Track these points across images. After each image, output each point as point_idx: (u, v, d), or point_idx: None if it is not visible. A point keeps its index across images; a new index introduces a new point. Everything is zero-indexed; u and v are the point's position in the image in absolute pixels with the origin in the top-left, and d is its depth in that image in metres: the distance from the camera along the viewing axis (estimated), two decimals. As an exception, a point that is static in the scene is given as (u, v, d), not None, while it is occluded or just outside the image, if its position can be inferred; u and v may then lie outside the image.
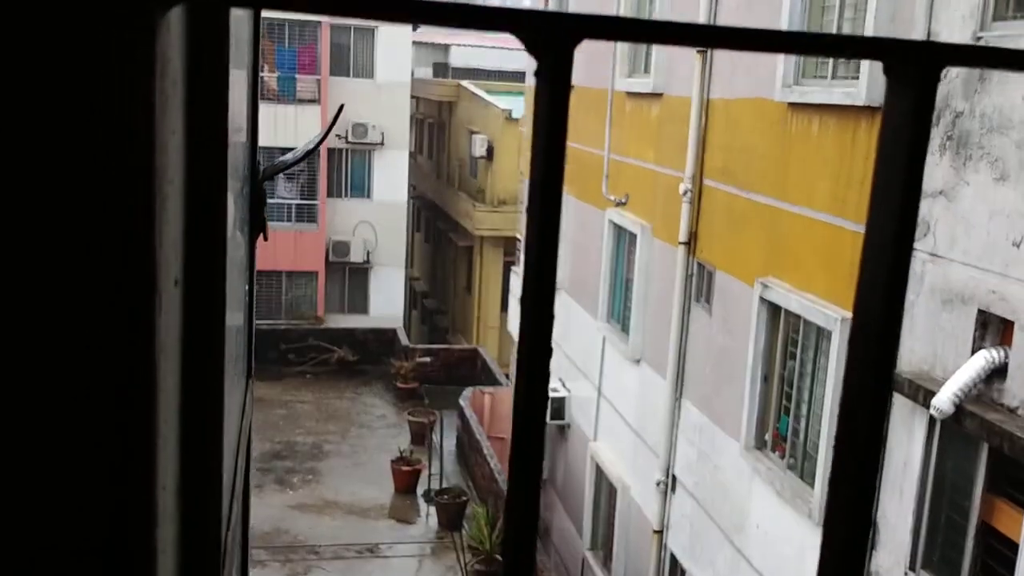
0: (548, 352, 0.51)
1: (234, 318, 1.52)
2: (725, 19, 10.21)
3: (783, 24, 8.81)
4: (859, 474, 0.60)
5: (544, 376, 0.51)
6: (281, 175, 26.72)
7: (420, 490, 18.51)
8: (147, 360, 0.59)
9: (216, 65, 0.88)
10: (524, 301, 0.50)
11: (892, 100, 0.62)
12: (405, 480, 18.51)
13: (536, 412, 0.52)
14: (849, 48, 0.65)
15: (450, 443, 20.34)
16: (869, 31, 7.51)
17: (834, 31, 8.34)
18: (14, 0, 0.51)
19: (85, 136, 0.54)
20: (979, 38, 6.45)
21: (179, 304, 0.81)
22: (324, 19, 26.69)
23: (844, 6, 8.26)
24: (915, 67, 0.61)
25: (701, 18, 10.44)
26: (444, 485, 18.07)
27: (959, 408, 6.30)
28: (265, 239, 1.95)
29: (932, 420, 6.78)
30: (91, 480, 0.60)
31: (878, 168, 0.62)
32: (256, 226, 1.87)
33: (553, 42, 0.50)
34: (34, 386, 0.56)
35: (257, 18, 1.91)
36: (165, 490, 0.78)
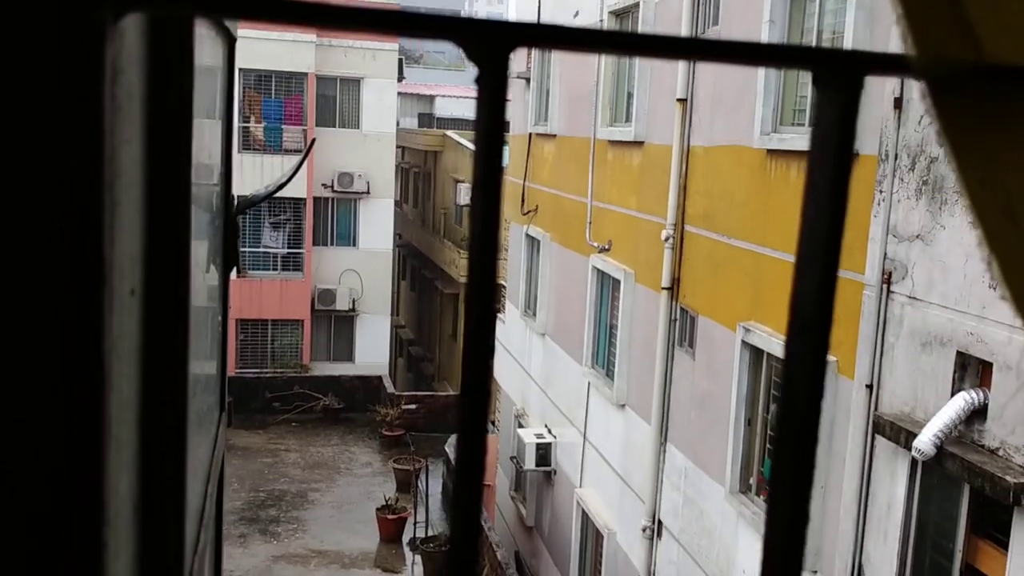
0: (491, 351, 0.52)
1: (202, 339, 1.53)
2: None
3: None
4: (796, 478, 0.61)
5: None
6: (267, 224, 26.77)
7: (406, 538, 18.33)
8: (96, 359, 0.60)
9: (179, 79, 0.90)
10: (467, 301, 0.52)
11: (820, 107, 0.64)
12: (391, 528, 18.34)
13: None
14: (776, 57, 0.68)
15: (436, 490, 20.18)
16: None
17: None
18: None
19: (26, 141, 0.56)
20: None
21: (137, 311, 0.83)
22: (311, 71, 26.94)
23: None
24: (840, 75, 0.63)
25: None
26: (430, 533, 17.91)
27: (940, 450, 6.31)
28: (239, 273, 1.98)
29: (914, 462, 6.79)
30: (30, 486, 0.60)
31: (809, 173, 0.64)
32: (230, 259, 1.89)
33: (490, 48, 0.52)
34: None
35: (232, 54, 1.94)
36: (119, 496, 0.79)
